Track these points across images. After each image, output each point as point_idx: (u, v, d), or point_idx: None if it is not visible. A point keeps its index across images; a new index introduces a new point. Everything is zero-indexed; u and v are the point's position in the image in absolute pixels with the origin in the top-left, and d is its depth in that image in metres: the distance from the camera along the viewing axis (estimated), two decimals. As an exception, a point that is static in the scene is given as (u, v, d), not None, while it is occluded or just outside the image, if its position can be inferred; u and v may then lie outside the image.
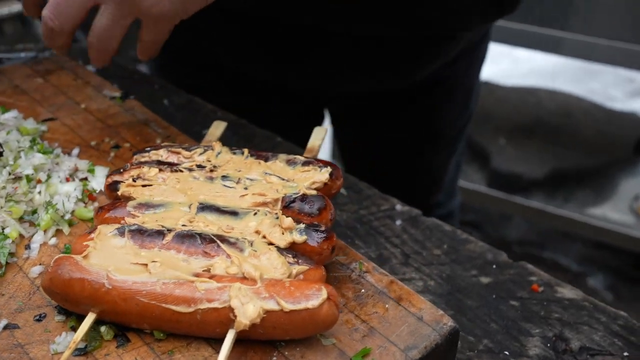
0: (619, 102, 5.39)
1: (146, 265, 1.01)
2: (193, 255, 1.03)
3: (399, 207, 1.64)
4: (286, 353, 1.00)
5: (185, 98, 2.01)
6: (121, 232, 1.06)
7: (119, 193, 1.18)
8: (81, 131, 1.54)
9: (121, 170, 1.23)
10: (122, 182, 1.20)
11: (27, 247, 1.19)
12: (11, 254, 1.16)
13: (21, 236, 1.20)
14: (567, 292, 1.41)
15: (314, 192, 1.18)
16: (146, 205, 1.13)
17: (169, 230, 1.07)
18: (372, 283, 1.13)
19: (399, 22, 1.76)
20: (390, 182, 2.39)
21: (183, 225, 1.09)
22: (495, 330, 1.31)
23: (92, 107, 1.63)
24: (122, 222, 1.11)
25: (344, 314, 1.08)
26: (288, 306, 0.95)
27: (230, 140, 1.79)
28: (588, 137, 4.96)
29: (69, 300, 1.01)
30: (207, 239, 1.05)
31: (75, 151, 1.44)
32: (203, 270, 1.02)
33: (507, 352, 1.27)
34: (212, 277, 1.00)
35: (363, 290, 1.12)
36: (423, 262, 1.49)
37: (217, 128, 1.44)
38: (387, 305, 1.09)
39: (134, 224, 1.08)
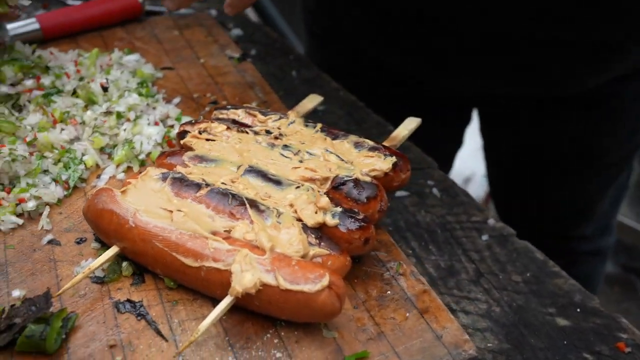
0: None
1: (171, 212, 1.01)
2: (220, 213, 1.02)
3: (491, 221, 1.49)
4: (282, 333, 0.95)
5: (315, 73, 2.00)
6: (164, 178, 1.08)
7: (182, 142, 1.20)
8: (190, 83, 1.60)
9: (193, 121, 1.25)
10: (189, 132, 1.21)
11: (98, 177, 1.26)
12: (82, 179, 1.24)
13: (97, 166, 1.28)
14: None
15: (369, 180, 1.10)
16: (200, 158, 1.14)
17: (207, 185, 1.06)
18: (403, 287, 1.03)
19: (579, 25, 1.59)
20: (533, 198, 2.19)
21: (223, 184, 1.08)
22: (551, 379, 1.14)
23: (209, 63, 1.69)
24: (174, 169, 1.12)
25: (359, 311, 0.99)
26: (284, 284, 0.90)
27: (340, 119, 1.75)
28: None
29: (99, 230, 1.05)
30: (238, 201, 1.03)
31: (176, 100, 1.50)
32: (224, 230, 1.00)
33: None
34: (227, 238, 0.97)
35: (389, 292, 1.03)
36: (496, 285, 1.33)
37: (311, 101, 1.41)
38: (408, 314, 0.99)
39: (179, 173, 1.09)
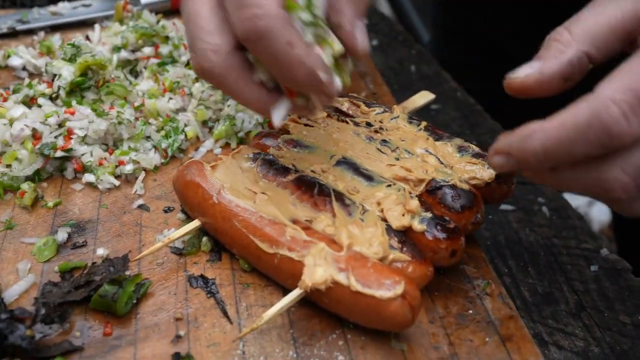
0: None
1: (255, 194, 0.99)
2: (304, 202, 0.98)
3: (604, 251, 1.34)
4: (348, 336, 0.90)
5: (434, 70, 1.92)
6: (255, 158, 1.06)
7: (281, 125, 1.18)
8: (303, 67, 1.57)
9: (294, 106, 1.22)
10: (289, 115, 1.19)
11: (196, 149, 1.27)
12: (181, 150, 1.25)
13: (197, 138, 1.29)
14: None
15: (467, 188, 1.02)
16: (295, 142, 1.11)
17: (297, 171, 1.03)
18: (487, 309, 0.95)
19: None
20: None
21: (312, 172, 1.04)
22: None
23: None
24: (267, 150, 1.10)
25: (435, 326, 0.92)
26: (356, 285, 0.85)
27: (454, 121, 1.66)
28: None
29: (184, 201, 1.05)
30: (324, 192, 0.99)
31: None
32: (305, 220, 0.96)
33: None
34: (306, 229, 0.94)
35: (471, 312, 0.94)
36: (599, 324, 1.20)
37: (421, 98, 1.34)
38: (487, 339, 0.90)
39: (270, 155, 1.07)
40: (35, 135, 1.16)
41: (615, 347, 1.15)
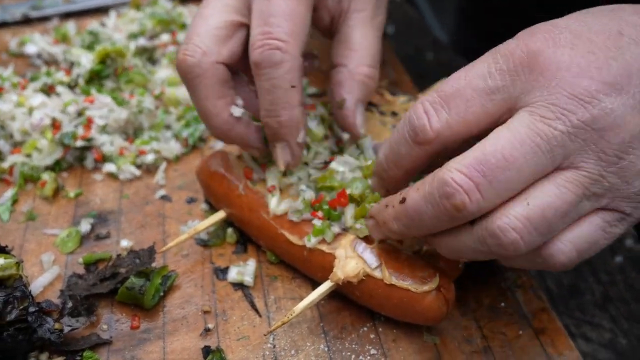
0: None
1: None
2: (332, 193, 0.96)
3: (629, 242, 1.33)
4: (380, 329, 0.89)
5: (451, 57, 1.90)
6: (280, 148, 1.04)
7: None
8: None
9: (319, 93, 1.20)
10: (313, 104, 1.17)
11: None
12: (202, 139, 1.23)
13: (218, 128, 1.27)
14: None
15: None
16: (320, 132, 1.09)
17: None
18: (519, 301, 0.93)
19: None
20: None
21: (339, 162, 1.02)
22: None
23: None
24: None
25: (467, 319, 0.91)
26: (390, 278, 0.83)
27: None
28: None
29: (209, 192, 1.04)
30: (352, 182, 0.97)
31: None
32: (334, 212, 0.94)
33: None
34: (336, 220, 0.92)
35: (503, 304, 0.93)
36: (625, 315, 1.19)
37: None
38: (521, 332, 0.89)
39: (296, 144, 1.05)
40: (55, 124, 1.15)
41: (643, 340, 1.14)
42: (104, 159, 1.15)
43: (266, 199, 0.95)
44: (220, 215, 1.01)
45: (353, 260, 0.86)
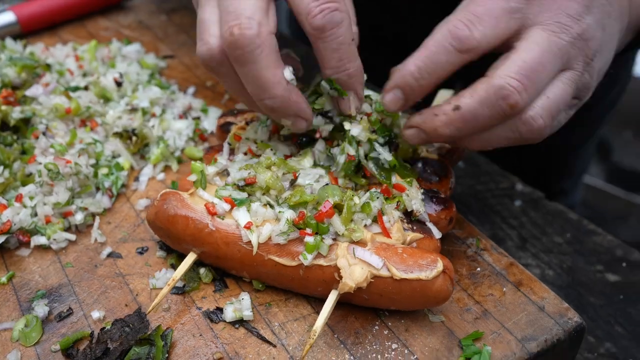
0: None
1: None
2: (301, 206, 0.97)
3: (519, 186, 1.51)
4: (389, 324, 0.93)
5: (305, 51, 1.95)
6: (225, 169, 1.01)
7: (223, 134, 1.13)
8: (198, 71, 1.51)
9: (235, 112, 1.18)
10: (234, 124, 1.15)
11: (136, 179, 1.18)
12: (123, 185, 1.15)
13: (132, 168, 1.19)
14: None
15: (435, 157, 1.08)
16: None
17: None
18: (490, 262, 1.03)
19: None
20: (513, 155, 2.21)
21: (294, 175, 1.02)
22: (620, 334, 1.17)
23: (211, 49, 1.60)
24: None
25: (456, 291, 0.98)
26: (399, 274, 0.87)
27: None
28: None
29: (171, 237, 0.98)
30: (318, 192, 0.98)
31: (191, 90, 1.42)
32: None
33: (631, 362, 1.13)
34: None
35: (479, 269, 1.02)
36: (542, 249, 1.36)
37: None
38: (504, 289, 0.98)
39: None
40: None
41: (563, 266, 1.32)
42: (30, 233, 1.03)
43: (245, 235, 0.92)
44: (192, 257, 0.96)
45: (357, 266, 0.88)
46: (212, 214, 0.95)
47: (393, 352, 0.88)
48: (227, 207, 0.95)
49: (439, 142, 0.98)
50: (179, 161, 1.22)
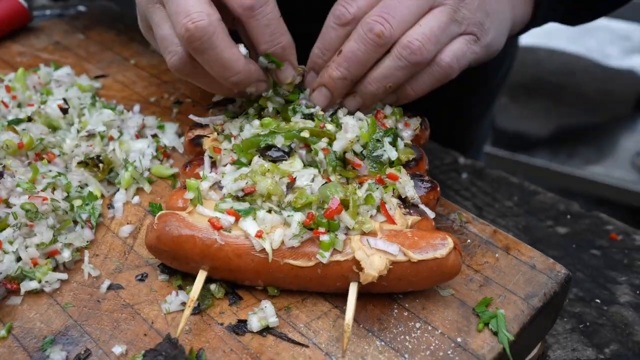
0: (615, 60, 5.40)
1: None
2: (302, 208, 0.99)
3: (462, 160, 1.61)
4: (406, 305, 0.97)
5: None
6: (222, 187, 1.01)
7: (204, 147, 1.12)
8: (137, 87, 1.47)
9: (203, 124, 1.17)
10: (205, 136, 1.14)
11: (110, 206, 1.13)
12: (100, 215, 1.10)
13: (102, 196, 1.15)
14: (643, 239, 1.40)
15: (409, 142, 1.14)
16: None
17: (272, 184, 1.02)
18: (476, 233, 1.10)
19: None
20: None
21: (285, 178, 1.04)
22: (582, 279, 1.30)
23: (142, 63, 1.56)
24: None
25: (455, 264, 1.04)
26: (416, 256, 0.92)
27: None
28: (589, 95, 4.95)
29: (177, 258, 0.96)
30: (314, 191, 1.00)
31: (136, 108, 1.38)
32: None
33: (598, 300, 1.25)
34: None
35: (469, 241, 1.09)
36: (497, 214, 1.46)
37: None
38: (496, 255, 1.06)
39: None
40: None
41: (519, 226, 1.43)
42: (18, 279, 0.97)
43: (257, 244, 0.93)
44: (203, 275, 0.96)
45: (375, 256, 0.92)
46: (218, 228, 0.95)
47: (419, 331, 0.93)
48: (231, 219, 0.95)
49: (338, 91, 1.09)
50: (150, 181, 1.18)
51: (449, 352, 0.90)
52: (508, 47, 2.17)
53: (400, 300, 0.98)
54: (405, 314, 0.96)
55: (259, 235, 0.93)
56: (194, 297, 0.92)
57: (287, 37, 1.07)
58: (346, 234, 0.95)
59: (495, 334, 0.93)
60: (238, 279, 0.97)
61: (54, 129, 1.23)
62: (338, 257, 0.93)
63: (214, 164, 1.08)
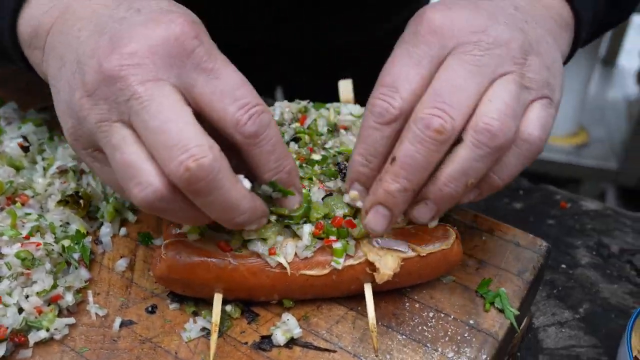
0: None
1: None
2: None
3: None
4: (416, 297, 1.02)
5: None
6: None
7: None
8: (89, 115, 1.42)
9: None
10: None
11: (97, 241, 1.10)
12: (91, 252, 1.07)
13: (87, 232, 1.11)
14: (590, 204, 1.53)
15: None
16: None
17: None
18: (459, 220, 1.17)
19: None
20: None
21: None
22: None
23: (88, 89, 1.50)
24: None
25: (449, 252, 1.11)
26: (423, 250, 0.97)
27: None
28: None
29: (190, 285, 0.96)
30: (312, 201, 1.03)
31: (96, 137, 1.33)
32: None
33: (564, 265, 1.37)
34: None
35: (455, 227, 1.15)
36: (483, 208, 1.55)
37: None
38: (483, 237, 1.13)
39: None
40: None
41: (481, 208, 1.52)
42: (23, 331, 0.92)
43: (272, 261, 0.94)
44: (219, 297, 0.96)
45: (387, 255, 0.96)
46: (228, 250, 0.95)
47: (433, 320, 0.99)
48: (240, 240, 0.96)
49: (399, 210, 0.91)
50: (132, 211, 1.16)
51: (466, 335, 0.97)
52: None
53: (409, 294, 1.03)
54: (417, 305, 1.01)
55: (273, 252, 0.94)
56: (217, 321, 0.92)
57: (290, 159, 0.91)
58: (354, 238, 0.98)
59: (501, 311, 1.00)
60: (254, 296, 0.98)
61: (17, 168, 1.18)
62: (351, 262, 0.96)
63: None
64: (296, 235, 0.97)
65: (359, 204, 0.95)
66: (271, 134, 0.86)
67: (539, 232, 1.43)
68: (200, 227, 0.97)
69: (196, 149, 0.77)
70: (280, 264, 0.95)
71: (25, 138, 1.20)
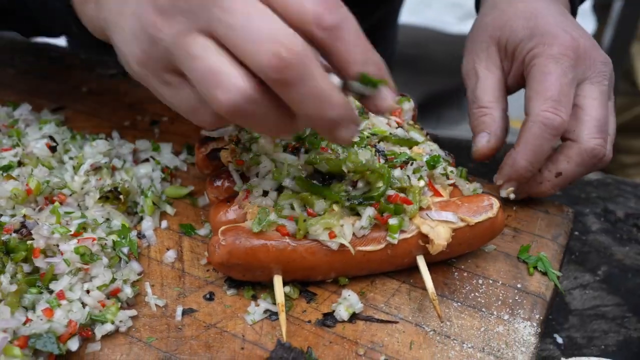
0: (454, 26, 5.89)
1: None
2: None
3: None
4: (462, 267, 1.06)
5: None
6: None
7: (223, 160, 1.11)
8: (102, 114, 1.41)
9: (214, 137, 1.16)
10: (222, 148, 1.14)
11: (139, 235, 1.10)
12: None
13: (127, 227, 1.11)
14: (592, 174, 1.61)
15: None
16: (268, 165, 1.10)
17: (314, 181, 1.05)
18: (490, 192, 1.22)
19: None
20: None
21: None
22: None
23: (95, 89, 1.49)
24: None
25: (484, 223, 1.15)
26: (472, 219, 1.01)
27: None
28: (442, 61, 5.36)
29: (251, 268, 0.97)
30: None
31: (115, 134, 1.33)
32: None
33: (577, 232, 1.43)
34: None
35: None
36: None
37: None
38: (514, 208, 1.18)
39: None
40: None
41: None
42: (89, 326, 0.92)
43: (333, 244, 0.96)
44: (279, 278, 0.98)
45: (439, 226, 1.00)
46: (286, 234, 0.97)
47: (483, 286, 1.03)
48: (295, 225, 0.98)
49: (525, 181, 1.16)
50: (169, 204, 1.17)
51: (517, 298, 1.01)
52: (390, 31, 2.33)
53: (455, 264, 1.07)
54: (465, 274, 1.05)
55: (333, 236, 0.96)
56: (282, 301, 0.94)
57: (377, 54, 0.84)
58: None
59: (544, 273, 1.06)
60: (311, 276, 1.00)
61: (47, 168, 1.16)
62: (405, 236, 0.99)
63: (242, 175, 1.09)
64: (352, 215, 0.99)
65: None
66: (354, 25, 0.81)
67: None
68: (259, 215, 0.97)
69: (285, 38, 0.75)
70: (341, 245, 0.97)
71: (52, 138, 1.19)
